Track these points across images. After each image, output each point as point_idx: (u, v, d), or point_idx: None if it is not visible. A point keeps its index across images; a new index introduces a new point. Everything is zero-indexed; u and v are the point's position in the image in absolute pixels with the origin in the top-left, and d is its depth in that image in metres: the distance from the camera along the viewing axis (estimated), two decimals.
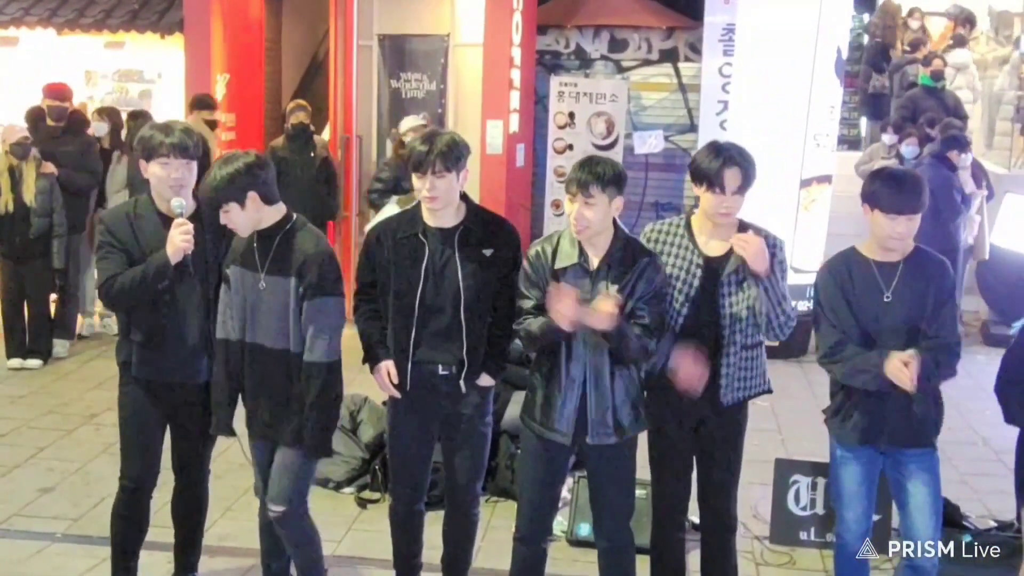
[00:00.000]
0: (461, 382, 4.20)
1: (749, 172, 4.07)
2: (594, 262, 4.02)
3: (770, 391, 4.34)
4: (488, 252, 4.17)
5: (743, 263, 4.07)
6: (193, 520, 4.69)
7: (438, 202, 4.10)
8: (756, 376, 4.26)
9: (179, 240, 4.12)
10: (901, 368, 3.90)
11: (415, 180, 4.13)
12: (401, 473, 4.42)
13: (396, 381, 4.21)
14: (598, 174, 3.95)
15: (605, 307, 3.84)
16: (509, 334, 4.24)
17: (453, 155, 4.09)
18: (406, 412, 4.30)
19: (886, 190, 4.05)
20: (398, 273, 4.17)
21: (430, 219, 4.19)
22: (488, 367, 4.25)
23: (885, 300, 4.07)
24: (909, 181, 4.10)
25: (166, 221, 4.23)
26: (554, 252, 4.06)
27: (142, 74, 11.55)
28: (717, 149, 4.12)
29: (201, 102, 9.25)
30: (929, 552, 4.13)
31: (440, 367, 4.20)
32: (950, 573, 5.10)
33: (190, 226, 4.15)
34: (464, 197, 4.25)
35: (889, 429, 4.12)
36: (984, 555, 4.89)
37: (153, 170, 4.23)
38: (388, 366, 4.21)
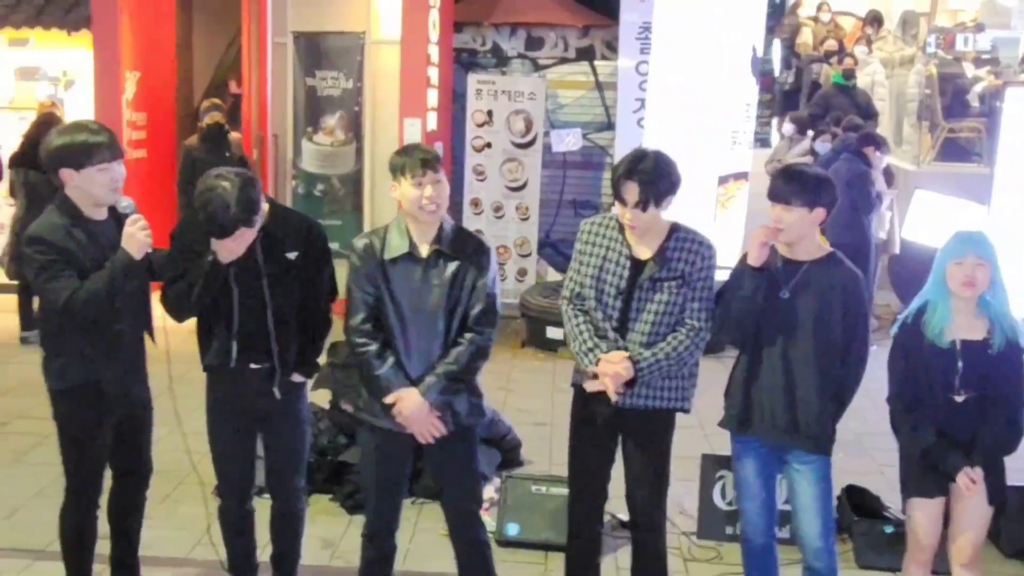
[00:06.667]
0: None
1: (652, 189, 3.99)
2: (423, 250, 4.03)
3: (684, 410, 4.25)
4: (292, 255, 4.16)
5: (658, 269, 4.08)
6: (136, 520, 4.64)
7: None
8: (668, 390, 4.18)
9: (142, 236, 4.01)
10: (605, 373, 4.03)
11: None
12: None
13: None
14: (432, 154, 4.11)
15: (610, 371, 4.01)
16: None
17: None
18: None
19: (774, 179, 4.12)
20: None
21: None
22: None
23: (782, 296, 4.09)
24: (797, 174, 4.11)
25: (93, 226, 4.10)
26: (382, 244, 4.05)
27: (45, 72, 11.26)
28: (631, 159, 4.09)
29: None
30: (819, 560, 4.16)
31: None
32: (872, 563, 5.22)
33: (146, 221, 4.06)
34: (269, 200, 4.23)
35: (761, 418, 4.15)
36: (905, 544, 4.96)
37: (91, 176, 4.03)
38: None
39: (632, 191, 4.01)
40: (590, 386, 4.15)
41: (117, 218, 4.14)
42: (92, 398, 4.19)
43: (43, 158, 4.14)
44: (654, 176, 4.01)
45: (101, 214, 4.15)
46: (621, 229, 4.17)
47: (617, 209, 4.11)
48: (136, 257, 4.02)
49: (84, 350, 4.16)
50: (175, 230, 4.19)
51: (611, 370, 4.03)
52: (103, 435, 4.29)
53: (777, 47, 14.60)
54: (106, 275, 4.00)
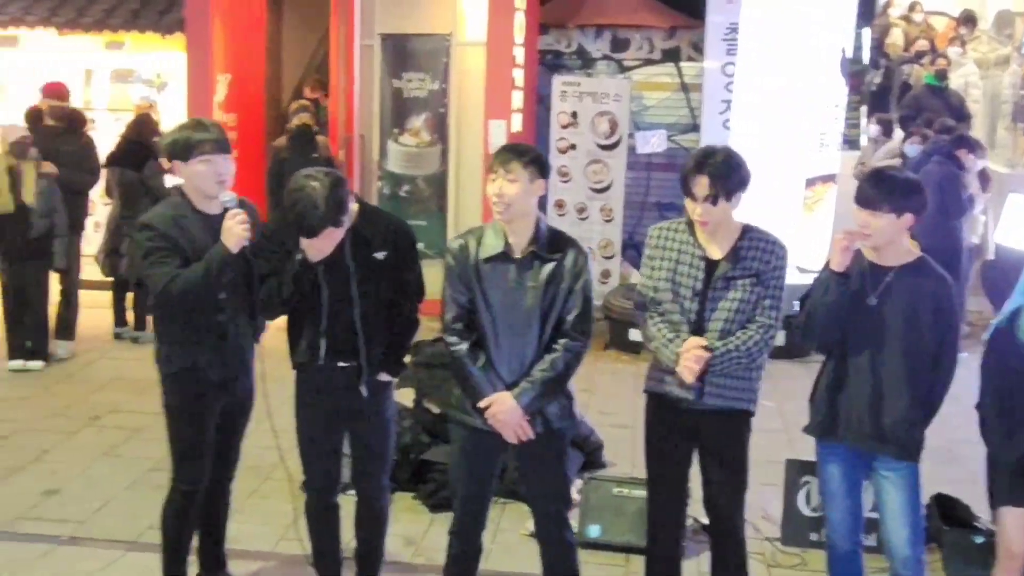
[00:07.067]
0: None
1: (722, 182, 3.96)
2: (519, 251, 4.02)
3: (750, 412, 4.21)
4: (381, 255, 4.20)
5: (732, 268, 4.05)
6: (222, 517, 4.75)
7: None
8: (740, 390, 4.14)
9: (239, 230, 4.12)
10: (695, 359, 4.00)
11: None
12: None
13: None
14: (519, 151, 4.03)
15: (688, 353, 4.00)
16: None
17: None
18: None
19: (861, 184, 4.05)
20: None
21: None
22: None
23: (869, 302, 4.03)
24: (885, 179, 4.04)
25: (205, 219, 4.24)
26: (478, 244, 4.06)
27: (139, 74, 11.55)
28: (700, 154, 4.08)
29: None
30: (907, 569, 4.08)
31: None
32: (962, 573, 5.11)
33: (245, 215, 4.17)
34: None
35: (847, 424, 4.09)
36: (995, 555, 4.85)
37: (195, 168, 4.20)
38: None
39: (702, 185, 3.98)
40: (670, 384, 4.14)
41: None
42: (195, 384, 4.32)
43: (162, 151, 4.35)
44: (724, 170, 3.99)
45: (214, 207, 4.27)
46: (692, 231, 4.15)
47: (687, 205, 4.08)
48: (232, 250, 4.12)
49: (187, 337, 4.29)
50: (265, 229, 4.27)
51: (689, 354, 4.01)
52: (208, 424, 4.39)
53: (867, 35, 14.28)
54: (203, 266, 4.13)
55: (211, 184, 4.22)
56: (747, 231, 4.12)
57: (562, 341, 4.03)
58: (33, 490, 5.94)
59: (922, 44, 13.94)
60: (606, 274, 10.55)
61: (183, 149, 4.20)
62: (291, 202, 3.94)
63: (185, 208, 4.26)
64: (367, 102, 10.56)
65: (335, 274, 4.12)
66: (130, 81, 11.61)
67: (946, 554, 5.22)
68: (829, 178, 9.62)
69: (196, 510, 4.50)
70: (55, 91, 8.93)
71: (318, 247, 4.03)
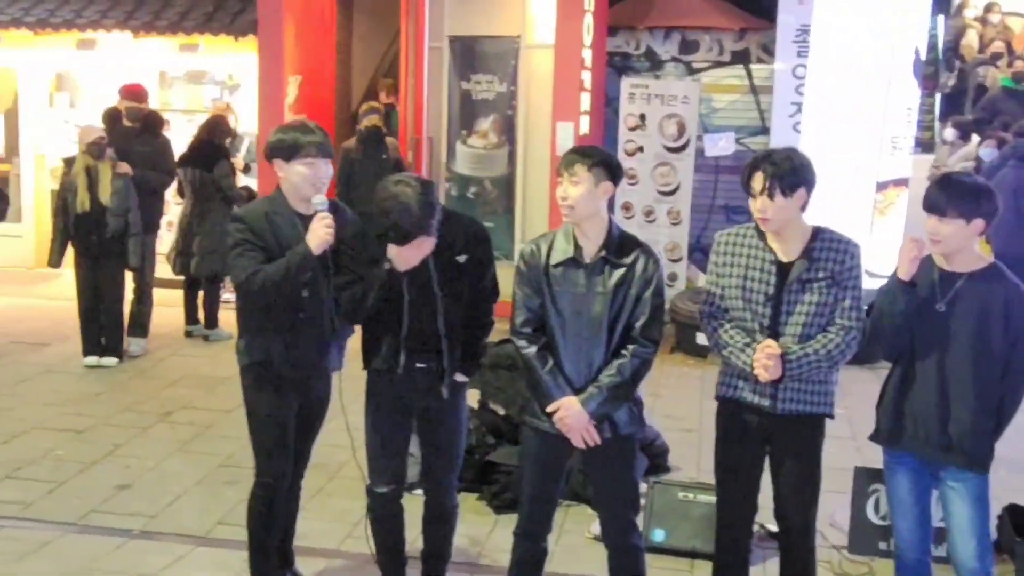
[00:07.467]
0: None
1: (778, 176, 3.94)
2: (589, 255, 4.01)
3: (830, 416, 4.18)
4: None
5: (806, 270, 4.01)
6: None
7: None
8: (817, 395, 4.11)
9: (323, 233, 4.19)
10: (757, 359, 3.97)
11: None
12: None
13: None
14: (585, 153, 4.04)
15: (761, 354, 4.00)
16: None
17: None
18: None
19: (929, 189, 3.99)
20: None
21: None
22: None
23: (938, 309, 3.97)
24: (953, 184, 3.97)
25: (299, 219, 4.31)
26: (549, 248, 4.06)
27: (212, 76, 11.72)
28: (761, 152, 4.08)
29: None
30: None
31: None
32: None
33: (332, 219, 4.23)
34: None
35: (914, 433, 4.03)
36: None
37: (296, 169, 4.27)
38: None
39: (759, 179, 3.98)
40: (744, 389, 4.11)
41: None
42: (270, 378, 4.38)
43: (263, 150, 4.42)
44: (780, 164, 3.97)
45: (307, 207, 4.33)
46: (761, 236, 4.11)
47: (750, 205, 4.06)
48: (315, 251, 4.19)
49: (263, 330, 4.36)
50: (346, 235, 4.28)
51: (763, 353, 3.99)
52: (286, 420, 4.44)
53: (940, 24, 14.00)
54: (284, 263, 4.20)
55: (308, 187, 4.29)
56: (818, 233, 4.08)
57: (630, 347, 4.02)
58: (106, 484, 6.06)
59: (998, 46, 13.69)
60: (672, 277, 10.50)
61: (288, 149, 4.27)
62: (383, 209, 3.95)
63: (280, 205, 4.34)
64: (436, 104, 10.62)
65: (417, 280, 4.15)
66: (203, 83, 11.80)
67: (1018, 566, 5.12)
68: (901, 182, 9.48)
69: (279, 507, 4.54)
70: (133, 93, 9.10)
71: (407, 257, 4.07)
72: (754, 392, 4.10)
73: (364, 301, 4.14)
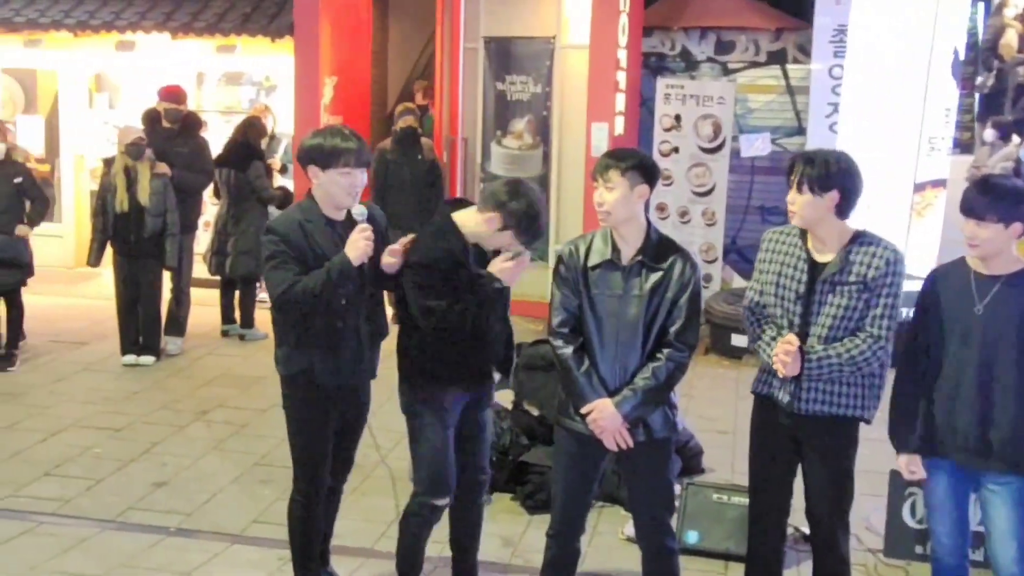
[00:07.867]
0: None
1: (809, 171, 3.95)
2: (626, 258, 4.02)
3: (865, 420, 4.13)
4: None
5: (837, 272, 3.99)
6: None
7: None
8: (845, 396, 4.07)
9: (363, 244, 4.18)
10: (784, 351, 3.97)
11: None
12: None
13: None
14: (618, 157, 4.05)
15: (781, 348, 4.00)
16: None
17: None
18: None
19: (966, 192, 3.96)
20: None
21: None
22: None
23: (976, 312, 3.93)
24: (991, 187, 3.92)
25: (334, 227, 4.29)
26: (587, 250, 4.07)
27: (249, 77, 11.80)
28: (812, 151, 4.10)
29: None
30: None
31: None
32: None
33: (371, 230, 4.22)
34: None
35: (952, 440, 3.99)
36: None
37: (333, 178, 4.23)
38: None
39: (796, 171, 4.01)
40: (775, 387, 4.13)
41: (353, 223, 4.30)
42: (310, 388, 4.36)
43: (297, 153, 4.40)
44: (819, 163, 3.97)
45: (341, 214, 4.33)
46: (803, 236, 4.11)
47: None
48: (354, 263, 4.17)
49: (303, 341, 4.32)
50: (418, 257, 4.21)
51: (781, 348, 4.00)
52: (326, 428, 4.43)
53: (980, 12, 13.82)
54: (322, 275, 4.17)
55: (345, 196, 4.27)
56: (858, 236, 4.06)
57: (665, 351, 4.01)
58: (144, 481, 6.12)
59: None
60: (707, 278, 10.45)
61: (326, 156, 4.22)
62: (529, 202, 4.10)
63: (313, 213, 4.29)
64: (471, 105, 10.64)
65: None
66: (240, 84, 11.88)
67: None
68: (939, 183, 9.39)
69: (319, 512, 4.55)
70: (172, 94, 9.17)
71: (514, 272, 4.18)
72: (780, 389, 4.11)
73: (466, 318, 4.16)
